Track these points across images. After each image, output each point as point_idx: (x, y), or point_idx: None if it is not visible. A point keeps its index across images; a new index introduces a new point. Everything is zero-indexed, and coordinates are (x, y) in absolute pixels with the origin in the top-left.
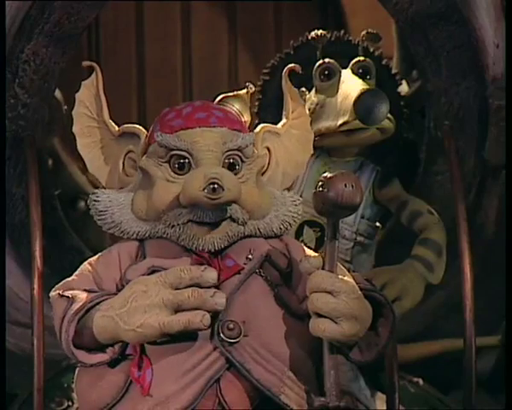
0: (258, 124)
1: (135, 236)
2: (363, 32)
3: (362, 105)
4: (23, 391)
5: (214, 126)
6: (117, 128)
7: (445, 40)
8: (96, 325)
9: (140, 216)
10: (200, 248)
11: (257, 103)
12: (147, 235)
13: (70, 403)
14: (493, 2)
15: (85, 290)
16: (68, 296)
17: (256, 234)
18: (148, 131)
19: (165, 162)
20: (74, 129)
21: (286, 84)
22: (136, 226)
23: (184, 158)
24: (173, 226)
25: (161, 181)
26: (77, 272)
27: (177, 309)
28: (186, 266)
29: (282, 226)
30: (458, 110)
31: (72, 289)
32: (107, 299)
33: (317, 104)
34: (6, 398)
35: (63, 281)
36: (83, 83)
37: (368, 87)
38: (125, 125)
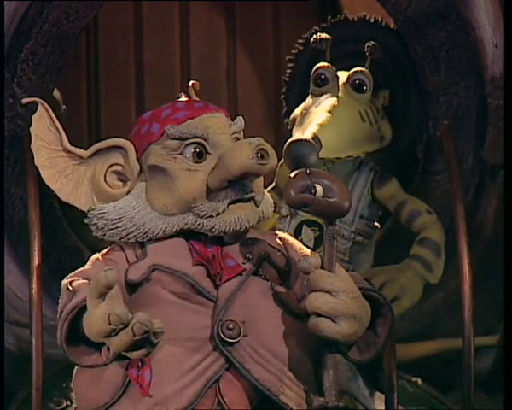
0: (287, 90)
1: (161, 233)
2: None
3: (289, 154)
4: (21, 391)
5: (216, 112)
6: (83, 151)
7: (443, 40)
8: (84, 324)
9: (165, 212)
10: (238, 227)
11: (288, 71)
12: (174, 229)
13: (68, 403)
14: (492, 2)
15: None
16: (71, 289)
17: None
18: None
19: (179, 154)
20: (36, 162)
21: None
22: (162, 223)
23: (200, 145)
24: (209, 217)
25: (183, 172)
26: (90, 261)
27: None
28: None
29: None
30: (457, 110)
31: (87, 278)
32: None
33: (303, 109)
34: (4, 397)
35: (78, 269)
36: (32, 117)
37: (301, 138)
38: (98, 144)
